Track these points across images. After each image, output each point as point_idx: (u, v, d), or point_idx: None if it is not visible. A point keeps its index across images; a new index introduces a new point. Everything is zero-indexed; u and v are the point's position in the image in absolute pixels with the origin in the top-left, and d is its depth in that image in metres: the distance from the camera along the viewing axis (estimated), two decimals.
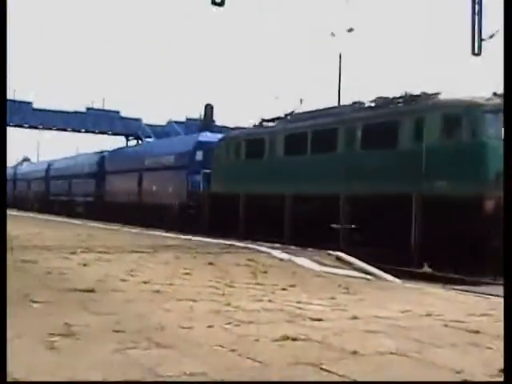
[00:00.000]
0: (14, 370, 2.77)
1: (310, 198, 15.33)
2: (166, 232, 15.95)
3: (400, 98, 14.15)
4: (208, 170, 20.67)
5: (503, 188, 3.13)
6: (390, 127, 13.62)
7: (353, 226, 13.81)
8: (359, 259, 9.05)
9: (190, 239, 13.03)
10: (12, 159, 69.70)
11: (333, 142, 15.28)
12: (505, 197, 3.05)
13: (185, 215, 21.20)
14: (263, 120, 19.44)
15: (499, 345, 3.72)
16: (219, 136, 21.84)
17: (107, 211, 27.12)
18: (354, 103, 15.68)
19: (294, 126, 17.34)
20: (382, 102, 14.69)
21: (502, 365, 3.11)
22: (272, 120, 19.20)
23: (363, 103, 15.44)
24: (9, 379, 2.56)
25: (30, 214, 28.38)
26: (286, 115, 18.78)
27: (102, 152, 34.30)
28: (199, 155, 22.46)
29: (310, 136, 16.12)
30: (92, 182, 32.00)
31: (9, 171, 53.67)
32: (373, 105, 15.09)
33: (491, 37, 13.81)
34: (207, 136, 23.57)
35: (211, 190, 20.19)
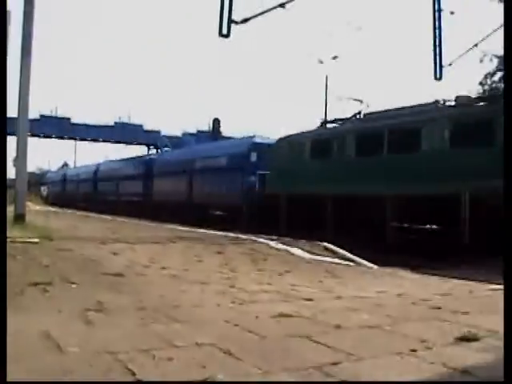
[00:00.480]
0: (57, 338, 2.81)
1: (385, 198, 12.46)
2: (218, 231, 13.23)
3: (491, 95, 12.40)
4: (263, 172, 17.83)
5: (503, 188, 2.81)
6: (491, 125, 10.59)
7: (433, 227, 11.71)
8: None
9: (203, 232, 13.01)
10: (53, 165, 70.08)
11: (415, 141, 12.24)
12: (505, 196, 2.82)
13: (239, 215, 18.31)
14: (325, 121, 16.54)
15: (456, 318, 3.76)
16: (273, 139, 19.02)
17: (155, 210, 24.45)
18: (436, 102, 12.93)
19: (367, 126, 14.12)
20: (466, 101, 12.23)
21: (457, 334, 3.15)
22: (333, 121, 16.26)
23: (446, 101, 12.66)
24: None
25: (73, 211, 28.08)
26: (353, 116, 15.74)
27: (149, 155, 31.89)
28: (253, 156, 19.47)
29: (386, 135, 13.00)
30: (140, 183, 28.99)
31: (59, 173, 50.78)
32: (453, 103, 12.45)
33: (450, 64, 13.91)
34: (261, 138, 20.71)
35: (268, 191, 17.08)
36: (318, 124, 17.54)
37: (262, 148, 19.15)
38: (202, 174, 22.75)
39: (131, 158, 36.39)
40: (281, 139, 17.70)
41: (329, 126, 16.83)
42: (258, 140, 20.47)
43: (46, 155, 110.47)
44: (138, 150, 47.03)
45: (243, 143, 21.15)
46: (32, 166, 61.67)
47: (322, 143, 15.42)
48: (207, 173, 22.22)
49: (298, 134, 17.03)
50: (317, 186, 14.51)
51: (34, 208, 24.81)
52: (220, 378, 2.29)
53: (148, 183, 27.77)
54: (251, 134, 22.45)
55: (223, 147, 23.22)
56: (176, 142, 43.01)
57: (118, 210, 26.12)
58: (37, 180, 51.52)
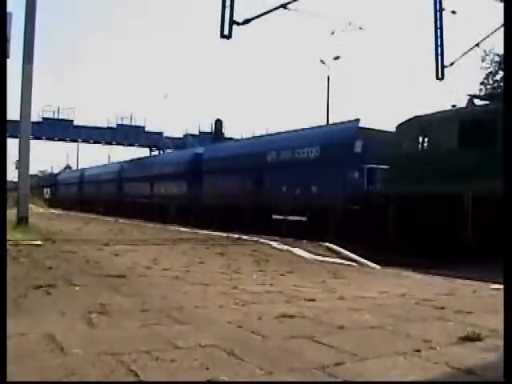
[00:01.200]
0: (61, 340, 2.81)
1: None
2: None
3: None
4: (372, 165, 14.15)
5: (503, 188, 2.72)
6: None
7: None
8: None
9: (203, 233, 13.01)
10: (55, 167, 70.26)
11: None
12: (505, 196, 2.73)
13: (343, 223, 14.04)
14: (473, 96, 12.58)
15: (460, 318, 3.75)
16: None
17: (205, 216, 20.17)
18: None
19: None
20: None
21: (461, 334, 3.15)
22: (485, 97, 12.57)
23: None
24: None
25: (76, 214, 27.96)
26: None
27: (195, 148, 25.67)
28: (358, 146, 14.88)
29: None
30: (183, 183, 23.61)
31: (75, 173, 45.19)
32: None
33: (452, 64, 13.91)
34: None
35: (383, 190, 13.41)
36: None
37: (370, 135, 14.77)
38: (279, 171, 17.79)
39: (170, 152, 31.04)
40: (407, 121, 13.21)
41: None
42: (365, 125, 15.34)
43: (47, 158, 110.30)
44: (144, 152, 47.12)
45: (344, 129, 16.31)
46: (34, 168, 61.87)
47: (483, 124, 11.04)
48: (286, 169, 17.35)
49: (434, 114, 12.48)
50: (478, 183, 10.40)
51: (37, 211, 24.86)
52: (223, 378, 2.29)
53: (195, 183, 22.36)
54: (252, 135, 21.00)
55: (312, 135, 17.77)
56: (178, 143, 43.07)
57: (151, 216, 21.85)
58: (39, 182, 51.49)
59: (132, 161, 34.22)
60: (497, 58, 27.84)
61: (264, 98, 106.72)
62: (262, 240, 10.32)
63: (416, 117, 12.84)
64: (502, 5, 12.60)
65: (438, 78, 14.01)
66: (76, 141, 48.05)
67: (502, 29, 12.60)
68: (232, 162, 20.20)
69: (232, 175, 20.03)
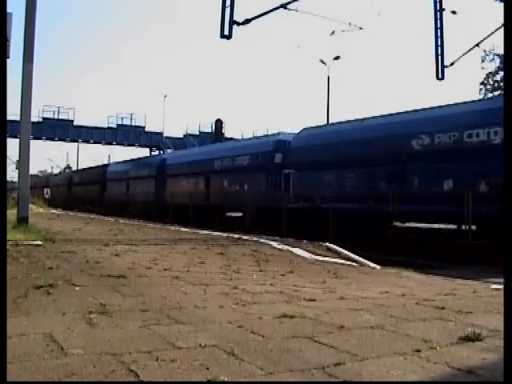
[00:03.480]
0: (61, 340, 2.81)
1: None
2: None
3: None
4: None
5: (503, 187, 2.83)
6: None
7: None
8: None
9: (204, 233, 12.99)
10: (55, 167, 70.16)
11: None
12: (505, 195, 2.77)
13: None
14: None
15: (460, 318, 3.75)
16: None
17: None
18: None
19: None
20: None
21: (461, 334, 3.15)
22: None
23: None
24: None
25: (75, 214, 27.86)
26: None
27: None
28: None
29: None
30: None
31: (150, 162, 30.26)
32: None
33: (452, 64, 13.89)
34: None
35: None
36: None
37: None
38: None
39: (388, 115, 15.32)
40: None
41: None
42: None
43: (45, 157, 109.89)
44: (141, 152, 47.11)
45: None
46: (35, 168, 61.85)
47: None
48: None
49: None
50: None
51: (37, 211, 24.83)
52: (223, 378, 2.29)
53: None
54: (252, 135, 21.42)
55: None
56: (178, 143, 43.09)
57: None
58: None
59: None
60: (497, 58, 27.87)
61: (264, 97, 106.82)
62: (262, 240, 10.32)
63: None
64: (501, 5, 12.57)
65: (438, 78, 13.99)
66: (76, 141, 48.04)
67: (502, 29, 12.61)
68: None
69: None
